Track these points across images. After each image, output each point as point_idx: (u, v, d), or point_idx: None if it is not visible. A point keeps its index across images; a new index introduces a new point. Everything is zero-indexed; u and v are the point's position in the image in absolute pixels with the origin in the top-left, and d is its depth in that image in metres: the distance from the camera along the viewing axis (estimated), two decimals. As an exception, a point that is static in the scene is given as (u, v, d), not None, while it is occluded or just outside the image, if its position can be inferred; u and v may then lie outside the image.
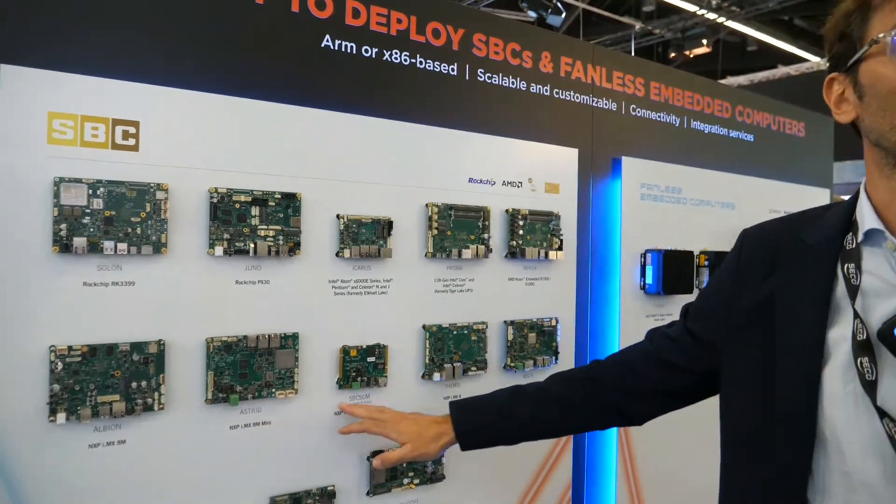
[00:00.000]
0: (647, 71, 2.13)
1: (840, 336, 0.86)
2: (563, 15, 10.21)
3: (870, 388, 0.80)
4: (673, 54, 11.80)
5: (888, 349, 0.79)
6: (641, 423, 1.25)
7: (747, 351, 0.97)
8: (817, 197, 2.65)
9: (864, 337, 0.81)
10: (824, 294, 0.88)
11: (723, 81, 13.25)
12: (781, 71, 12.72)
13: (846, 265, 0.88)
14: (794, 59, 13.74)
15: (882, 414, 0.78)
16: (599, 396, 1.24)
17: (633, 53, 12.48)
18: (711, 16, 10.82)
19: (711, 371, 1.06)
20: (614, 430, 1.93)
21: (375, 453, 1.48)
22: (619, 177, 1.97)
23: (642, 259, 2.00)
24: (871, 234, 0.86)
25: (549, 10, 9.85)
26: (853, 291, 0.85)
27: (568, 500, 1.85)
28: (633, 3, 12.00)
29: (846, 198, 0.95)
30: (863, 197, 0.88)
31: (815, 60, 13.07)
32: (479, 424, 1.28)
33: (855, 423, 0.82)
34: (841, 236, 0.90)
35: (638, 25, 11.86)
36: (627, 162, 1.98)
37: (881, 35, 0.77)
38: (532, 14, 10.03)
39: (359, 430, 1.37)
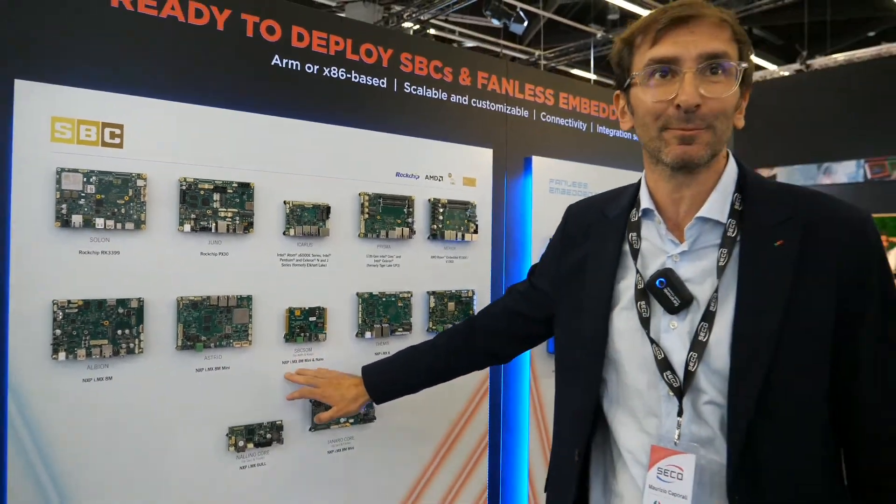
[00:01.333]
0: (557, 83, 2.50)
1: (626, 286, 1.17)
2: (526, 23, 10.61)
3: (644, 323, 1.11)
4: (632, 62, 12.22)
5: (652, 295, 1.11)
6: (507, 361, 1.65)
7: (568, 299, 1.29)
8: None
9: (642, 286, 1.13)
10: (616, 255, 1.20)
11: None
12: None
13: (630, 234, 1.19)
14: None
15: (651, 341, 1.10)
16: (474, 344, 1.57)
17: (591, 61, 12.94)
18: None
19: (550, 316, 1.39)
20: (527, 379, 2.29)
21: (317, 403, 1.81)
22: (531, 173, 2.33)
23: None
24: (646, 211, 1.18)
25: (512, 19, 10.25)
26: (635, 253, 1.17)
27: (485, 443, 2.21)
28: (597, 13, 12.44)
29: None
30: (642, 182, 1.23)
31: (771, 68, 13.64)
32: (387, 381, 1.64)
33: (633, 348, 1.13)
34: (629, 212, 1.23)
35: (599, 34, 12.29)
36: (537, 160, 2.34)
37: (636, 73, 1.12)
38: (496, 22, 10.42)
39: (299, 395, 1.73)
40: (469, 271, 2.16)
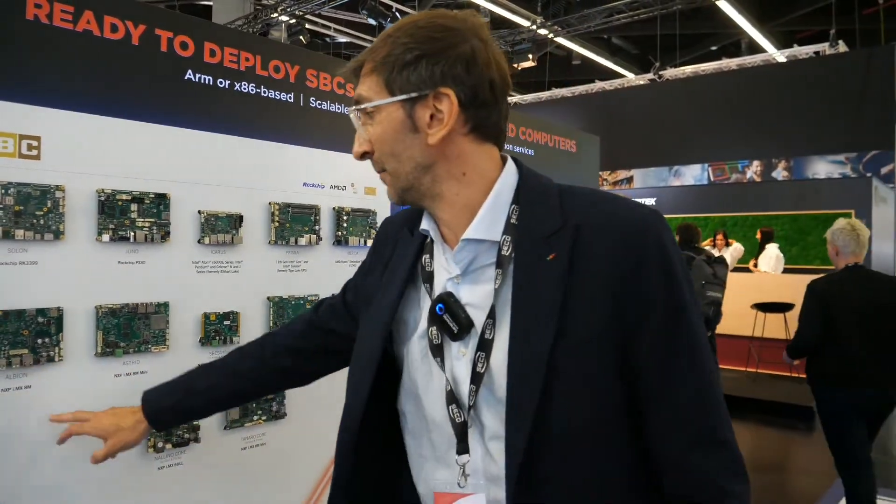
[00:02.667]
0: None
1: (421, 312, 1.04)
2: (402, 24, 10.78)
3: (437, 350, 0.99)
4: (503, 66, 12.73)
5: (433, 323, 0.99)
6: (308, 382, 1.42)
7: (362, 321, 1.15)
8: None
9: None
10: (406, 278, 1.07)
11: (547, 92, 14.48)
12: (598, 85, 14.18)
13: (424, 255, 1.06)
14: (613, 74, 15.30)
15: (443, 371, 0.98)
16: (269, 362, 1.35)
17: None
18: (542, 32, 11.81)
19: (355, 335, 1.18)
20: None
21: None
22: (425, 182, 2.52)
23: (443, 246, 2.56)
24: (427, 234, 1.06)
25: (388, 19, 10.41)
26: (427, 276, 1.04)
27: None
28: (469, 16, 12.81)
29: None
30: None
31: (630, 76, 14.67)
32: (168, 405, 1.36)
33: (428, 380, 1.02)
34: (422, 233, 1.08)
35: (472, 37, 12.67)
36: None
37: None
38: (372, 21, 10.54)
39: (67, 434, 1.42)
40: (371, 274, 2.31)
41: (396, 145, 0.98)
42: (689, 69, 12.64)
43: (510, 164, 1.03)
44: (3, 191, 1.50)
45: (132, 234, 1.70)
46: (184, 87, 1.86)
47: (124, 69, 1.74)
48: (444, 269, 1.03)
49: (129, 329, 1.71)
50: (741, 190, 10.50)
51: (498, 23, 12.44)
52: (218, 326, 1.88)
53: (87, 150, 1.64)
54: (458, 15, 0.98)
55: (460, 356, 0.98)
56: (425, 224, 1.06)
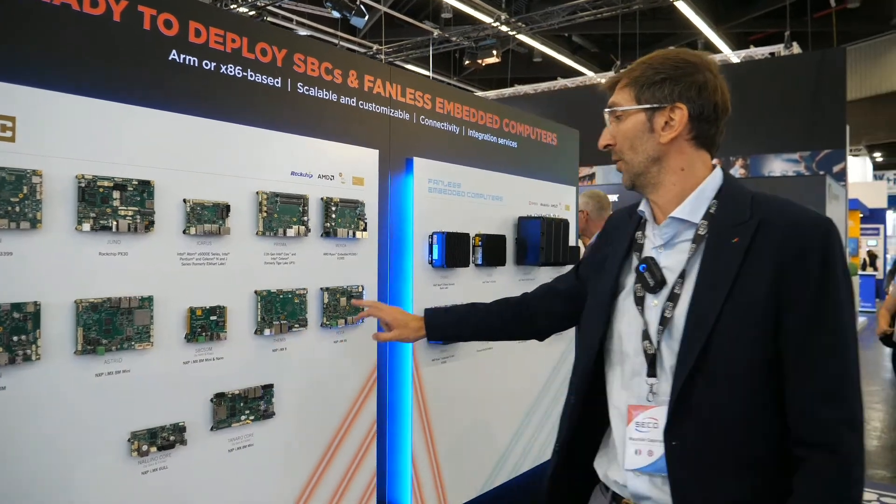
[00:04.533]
0: (433, 88, 2.63)
1: (632, 273, 1.42)
2: (367, 17, 10.65)
3: (639, 301, 1.36)
4: (467, 62, 12.73)
5: (637, 279, 1.38)
6: (545, 337, 1.87)
7: (592, 285, 1.56)
8: (566, 193, 3.35)
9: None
10: (627, 247, 1.45)
11: (510, 89, 14.51)
12: (560, 83, 14.26)
13: (637, 232, 1.45)
14: (573, 72, 15.41)
15: (641, 315, 1.36)
16: (523, 315, 1.79)
17: (430, 59, 13.27)
18: (504, 28, 11.81)
19: (585, 299, 1.59)
20: (409, 373, 2.41)
21: (218, 396, 1.81)
22: (412, 173, 2.45)
23: (430, 239, 2.49)
24: (643, 214, 1.45)
25: (353, 12, 10.25)
26: (638, 247, 1.43)
27: (374, 432, 2.30)
28: (431, 10, 12.76)
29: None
30: None
31: (590, 74, 14.79)
32: (446, 323, 1.83)
33: (629, 321, 1.38)
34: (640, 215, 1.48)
35: (436, 32, 12.63)
36: (418, 161, 2.46)
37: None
38: (336, 14, 10.36)
39: (367, 313, 1.90)
40: (358, 267, 2.23)
41: (636, 141, 1.35)
42: (648, 68, 12.76)
43: (717, 170, 1.36)
44: (-25, 175, 1.38)
45: (114, 223, 1.59)
46: (168, 67, 1.75)
47: (105, 47, 1.62)
48: (650, 240, 1.40)
49: (110, 325, 1.60)
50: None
51: (461, 19, 12.41)
52: (204, 322, 1.78)
53: (66, 133, 1.53)
54: (696, 52, 1.34)
55: (652, 306, 1.34)
56: (643, 207, 1.43)
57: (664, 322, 1.29)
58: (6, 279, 1.44)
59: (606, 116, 1.40)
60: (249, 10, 10.42)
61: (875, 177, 23.51)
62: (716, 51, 12.96)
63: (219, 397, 1.82)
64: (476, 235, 2.68)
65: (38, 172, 1.47)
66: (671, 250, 1.35)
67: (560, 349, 3.33)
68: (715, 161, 1.39)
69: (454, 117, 2.73)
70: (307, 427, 2.07)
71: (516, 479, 3.01)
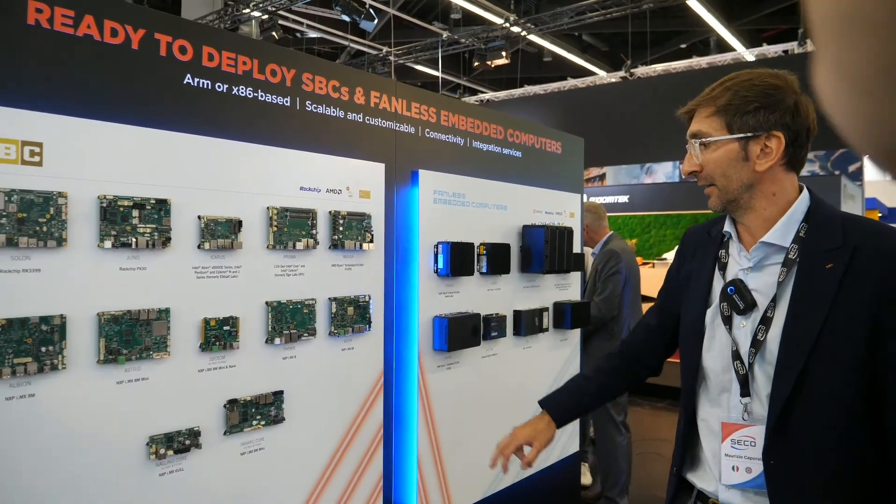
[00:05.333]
0: (438, 102, 2.72)
1: (716, 290, 1.45)
2: (376, 21, 10.74)
3: (726, 320, 1.40)
4: (476, 63, 12.77)
5: (724, 300, 1.40)
6: (659, 371, 1.79)
7: (685, 301, 1.56)
8: (570, 200, 3.42)
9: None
10: (712, 266, 1.48)
11: (520, 90, 14.54)
12: (570, 83, 14.29)
13: (721, 251, 1.48)
14: (583, 71, 15.41)
15: (730, 335, 1.39)
16: (632, 368, 1.76)
17: (440, 61, 13.34)
18: (515, 29, 11.84)
19: (678, 318, 1.60)
20: (415, 379, 2.50)
21: (231, 402, 1.91)
22: (417, 185, 2.54)
23: (435, 249, 2.58)
24: (728, 234, 1.46)
25: (362, 16, 10.34)
26: (722, 266, 1.46)
27: (380, 436, 2.39)
28: (440, 11, 12.83)
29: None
30: None
31: (601, 74, 14.80)
32: (569, 406, 1.77)
33: (713, 339, 1.43)
34: (722, 234, 1.49)
35: (445, 34, 12.69)
36: (423, 174, 2.55)
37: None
38: (346, 18, 10.46)
39: (505, 461, 1.75)
40: (366, 277, 2.32)
41: (729, 169, 1.34)
42: (659, 67, 12.80)
43: (805, 191, 1.37)
44: (6, 198, 1.49)
45: (133, 240, 1.69)
46: (183, 91, 1.85)
47: (124, 74, 1.72)
48: (736, 261, 1.42)
49: (130, 336, 1.70)
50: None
51: (470, 19, 12.46)
52: (218, 332, 1.88)
53: (88, 156, 1.63)
54: (779, 73, 1.32)
55: (741, 327, 1.37)
56: (727, 227, 1.45)
57: (756, 345, 1.32)
58: (35, 294, 1.54)
59: (692, 144, 1.39)
60: (262, 15, 10.54)
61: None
62: (729, 49, 12.93)
63: (231, 403, 1.91)
64: (481, 244, 2.76)
65: (64, 194, 1.57)
66: (759, 272, 1.37)
67: (565, 354, 3.40)
68: (801, 183, 1.40)
69: (459, 129, 2.81)
70: (316, 431, 2.17)
71: (521, 482, 3.10)
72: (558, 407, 1.77)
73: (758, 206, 1.36)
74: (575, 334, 3.50)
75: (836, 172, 9.65)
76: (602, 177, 11.87)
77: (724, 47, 13.36)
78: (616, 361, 1.78)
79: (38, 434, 1.55)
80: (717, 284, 1.45)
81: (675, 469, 1.53)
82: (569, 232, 3.10)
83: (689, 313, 1.53)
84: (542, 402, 1.80)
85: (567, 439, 3.44)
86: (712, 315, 1.44)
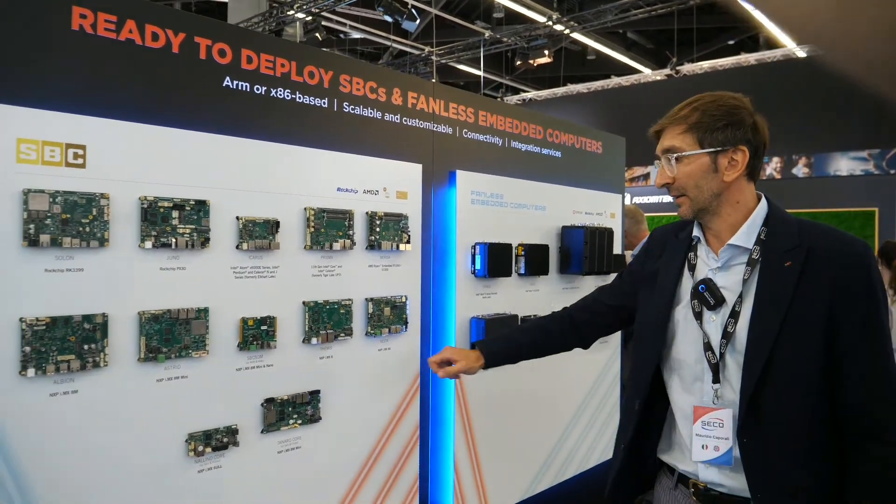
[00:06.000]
0: (475, 102, 2.70)
1: (685, 289, 1.58)
2: (418, 21, 10.78)
3: (697, 316, 1.53)
4: (519, 62, 12.70)
5: (695, 298, 1.53)
6: (589, 345, 1.96)
7: (644, 294, 1.70)
8: (611, 201, 3.37)
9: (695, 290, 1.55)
10: (680, 267, 1.61)
11: (563, 88, 14.42)
12: (614, 81, 14.11)
13: (690, 253, 1.61)
14: (627, 69, 15.20)
15: (701, 329, 1.51)
16: (569, 327, 1.91)
17: (482, 60, 13.31)
18: (559, 27, 11.74)
19: (626, 308, 1.80)
20: (452, 380, 2.49)
21: (268, 400, 1.93)
22: (455, 186, 2.53)
23: (472, 250, 2.57)
24: (697, 237, 1.59)
25: (404, 16, 10.38)
26: (692, 267, 1.59)
27: (416, 437, 2.39)
28: (483, 10, 12.80)
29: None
30: None
31: (646, 72, 14.58)
32: (497, 349, 1.92)
33: (686, 332, 1.55)
34: (690, 237, 1.62)
35: (487, 33, 12.66)
36: (461, 174, 2.54)
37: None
38: (388, 18, 10.52)
39: (444, 376, 1.89)
40: (402, 278, 2.32)
41: (701, 180, 1.49)
42: (706, 64, 12.54)
43: (763, 199, 1.54)
44: (50, 199, 1.53)
45: (173, 240, 1.72)
46: (222, 94, 1.87)
47: (165, 77, 1.75)
48: (705, 262, 1.56)
49: (170, 334, 1.73)
50: (760, 186, 10.32)
51: (513, 18, 12.40)
52: (255, 331, 1.90)
53: (130, 158, 1.66)
54: (737, 96, 1.50)
55: (710, 321, 1.50)
56: (696, 231, 1.59)
57: (727, 336, 1.47)
58: (78, 293, 1.58)
59: (666, 159, 1.53)
60: (306, 16, 10.67)
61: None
62: (779, 45, 12.59)
63: (269, 402, 1.94)
64: (519, 245, 2.74)
65: (106, 196, 1.61)
66: (727, 272, 1.51)
67: (605, 356, 3.35)
68: (758, 192, 1.56)
69: (497, 129, 2.79)
70: (352, 431, 2.18)
71: (560, 484, 3.06)
72: (490, 348, 1.92)
73: (724, 213, 1.51)
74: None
75: (892, 171, 9.30)
76: (646, 176, 11.69)
77: (774, 44, 13.01)
78: (557, 325, 1.92)
79: (81, 429, 1.59)
80: (687, 283, 1.58)
81: (623, 446, 1.68)
82: (609, 233, 3.05)
83: (650, 308, 1.66)
84: (477, 344, 1.95)
85: (606, 443, 3.39)
86: (683, 311, 1.56)
